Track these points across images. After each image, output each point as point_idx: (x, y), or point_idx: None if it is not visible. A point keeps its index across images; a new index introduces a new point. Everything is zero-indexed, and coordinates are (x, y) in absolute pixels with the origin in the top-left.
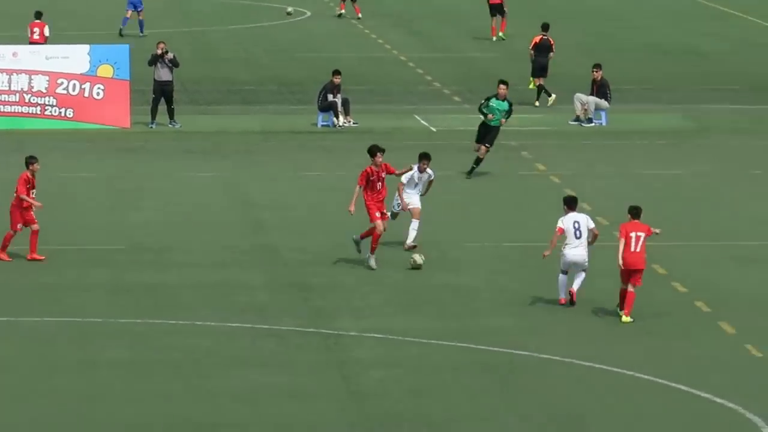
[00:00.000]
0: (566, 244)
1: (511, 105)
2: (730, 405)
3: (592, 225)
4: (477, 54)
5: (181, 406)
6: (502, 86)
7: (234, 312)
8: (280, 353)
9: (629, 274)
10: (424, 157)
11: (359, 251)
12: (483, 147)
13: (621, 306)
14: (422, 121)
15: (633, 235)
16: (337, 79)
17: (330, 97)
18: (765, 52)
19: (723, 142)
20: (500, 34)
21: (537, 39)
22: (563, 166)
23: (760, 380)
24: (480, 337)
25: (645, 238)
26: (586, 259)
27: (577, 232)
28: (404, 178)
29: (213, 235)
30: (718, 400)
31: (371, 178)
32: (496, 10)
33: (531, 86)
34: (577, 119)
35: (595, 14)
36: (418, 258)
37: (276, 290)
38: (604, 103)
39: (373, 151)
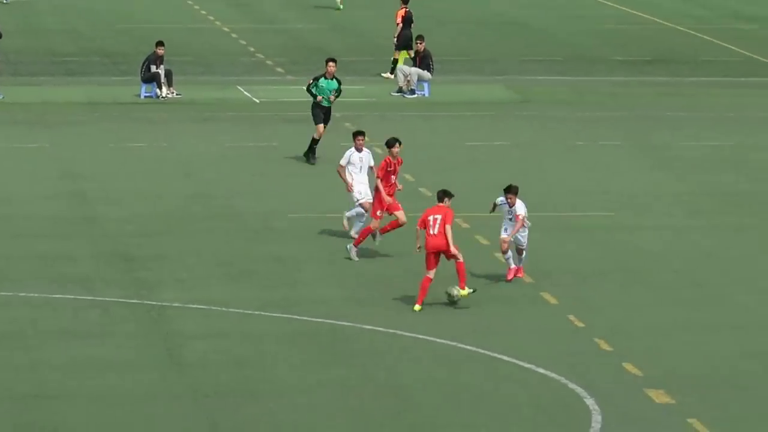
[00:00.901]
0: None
1: (340, 83)
2: (553, 375)
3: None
4: (301, 25)
5: (4, 377)
6: (331, 64)
7: (57, 283)
8: (104, 324)
9: (435, 257)
10: (359, 134)
11: (375, 240)
12: (322, 126)
13: (419, 300)
14: (245, 93)
15: (431, 218)
16: (160, 51)
17: (153, 68)
18: (587, 24)
19: (545, 113)
20: (339, 6)
21: (402, 12)
22: (386, 137)
23: (581, 350)
24: (304, 307)
25: (442, 220)
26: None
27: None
28: (343, 160)
29: (36, 206)
30: (541, 370)
31: (388, 170)
32: None
33: (401, 61)
34: (400, 91)
35: None
36: (455, 292)
37: (100, 261)
38: (426, 74)
39: (391, 142)
